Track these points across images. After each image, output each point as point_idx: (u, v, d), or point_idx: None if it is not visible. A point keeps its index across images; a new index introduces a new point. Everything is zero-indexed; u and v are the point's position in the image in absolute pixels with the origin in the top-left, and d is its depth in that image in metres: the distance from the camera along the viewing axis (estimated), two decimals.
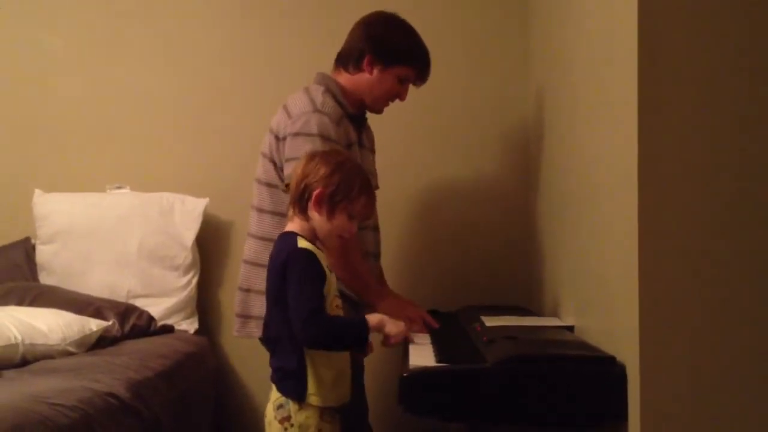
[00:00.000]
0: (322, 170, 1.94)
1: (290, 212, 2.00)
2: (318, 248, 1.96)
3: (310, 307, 1.84)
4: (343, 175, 1.95)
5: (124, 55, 3.39)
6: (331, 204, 1.94)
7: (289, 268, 1.88)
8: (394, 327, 1.95)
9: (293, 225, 1.98)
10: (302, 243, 1.92)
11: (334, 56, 2.53)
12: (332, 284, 1.95)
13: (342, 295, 2.09)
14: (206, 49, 3.35)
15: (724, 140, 1.57)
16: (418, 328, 2.33)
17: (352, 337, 1.92)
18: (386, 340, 1.97)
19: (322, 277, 1.89)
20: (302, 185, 1.95)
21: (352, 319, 2.00)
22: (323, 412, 1.89)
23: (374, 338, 1.99)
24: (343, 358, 1.97)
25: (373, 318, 1.94)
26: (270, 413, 1.93)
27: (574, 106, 2.24)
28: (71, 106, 3.40)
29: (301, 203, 1.96)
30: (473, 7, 3.24)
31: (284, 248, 1.93)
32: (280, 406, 1.90)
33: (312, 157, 2.00)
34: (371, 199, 2.02)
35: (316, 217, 1.94)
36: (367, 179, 2.02)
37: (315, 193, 1.93)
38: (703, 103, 1.57)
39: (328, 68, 2.53)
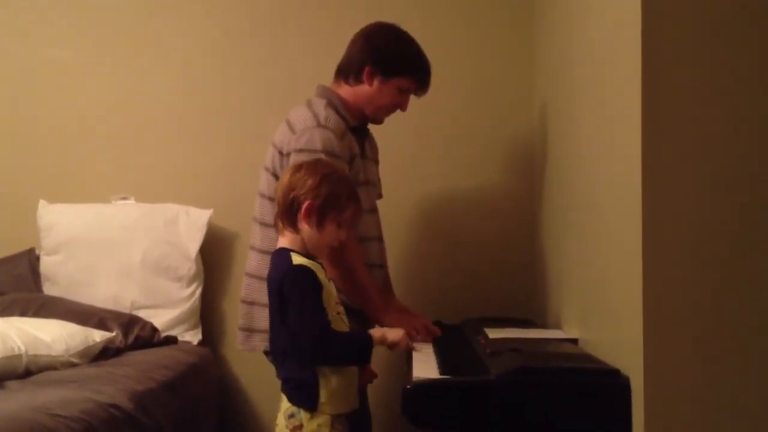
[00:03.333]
0: (309, 181, 1.95)
1: (279, 225, 2.01)
2: (315, 261, 1.97)
3: (319, 325, 1.88)
4: (331, 186, 1.96)
5: (129, 66, 3.40)
6: (320, 215, 1.95)
7: (286, 288, 1.90)
8: (395, 336, 2.02)
9: (284, 240, 2.00)
10: (297, 259, 1.93)
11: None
12: (331, 294, 1.96)
13: (344, 306, 2.09)
14: (211, 61, 3.36)
15: (729, 151, 1.56)
16: (422, 338, 2.33)
17: (357, 352, 1.96)
18: (392, 347, 2.03)
19: (319, 290, 1.91)
20: (290, 197, 1.96)
21: (357, 334, 2.03)
22: (335, 419, 1.91)
23: (376, 367, 2.08)
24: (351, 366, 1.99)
25: (375, 332, 2.01)
26: (281, 423, 1.94)
27: (577, 117, 2.24)
28: (76, 117, 3.41)
29: (289, 216, 1.97)
30: (478, 17, 3.24)
31: (279, 267, 1.94)
32: (291, 416, 1.92)
33: (298, 168, 2.01)
34: (359, 206, 2.04)
35: (306, 229, 1.96)
36: (353, 187, 2.05)
37: (304, 205, 1.94)
38: (707, 113, 1.57)
39: (332, 79, 2.54)
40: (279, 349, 1.98)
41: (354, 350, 1.95)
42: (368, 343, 1.95)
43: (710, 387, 1.55)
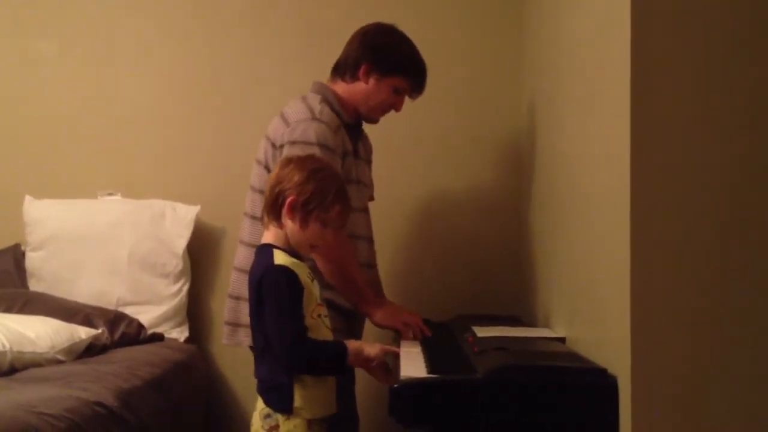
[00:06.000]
0: (296, 177, 1.91)
1: (265, 219, 1.97)
2: (299, 258, 1.94)
3: (292, 333, 1.83)
4: (318, 183, 1.91)
5: (116, 62, 3.38)
6: (304, 212, 1.90)
7: (265, 289, 1.86)
8: (372, 350, 1.94)
9: (269, 234, 1.96)
10: (279, 257, 1.89)
11: (329, 64, 2.53)
12: (313, 295, 1.91)
13: (331, 304, 2.07)
14: (198, 57, 3.34)
15: (718, 149, 1.56)
16: (415, 333, 2.32)
17: (332, 363, 1.91)
18: (367, 362, 1.95)
19: (299, 293, 1.86)
20: (276, 191, 1.92)
21: (332, 343, 1.95)
22: (311, 422, 1.88)
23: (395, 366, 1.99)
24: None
25: (352, 344, 1.94)
26: (256, 422, 1.92)
27: (565, 116, 2.24)
28: (63, 113, 3.39)
29: (275, 210, 1.93)
30: (467, 16, 3.24)
31: (261, 264, 1.90)
32: (267, 416, 1.89)
33: (287, 162, 1.97)
34: (346, 207, 1.98)
35: (290, 225, 1.92)
36: (343, 187, 2.00)
37: (288, 200, 1.90)
38: (697, 111, 1.57)
39: (323, 76, 2.53)
40: (258, 346, 1.95)
41: (326, 360, 1.89)
42: (343, 354, 1.89)
43: (697, 386, 1.55)
